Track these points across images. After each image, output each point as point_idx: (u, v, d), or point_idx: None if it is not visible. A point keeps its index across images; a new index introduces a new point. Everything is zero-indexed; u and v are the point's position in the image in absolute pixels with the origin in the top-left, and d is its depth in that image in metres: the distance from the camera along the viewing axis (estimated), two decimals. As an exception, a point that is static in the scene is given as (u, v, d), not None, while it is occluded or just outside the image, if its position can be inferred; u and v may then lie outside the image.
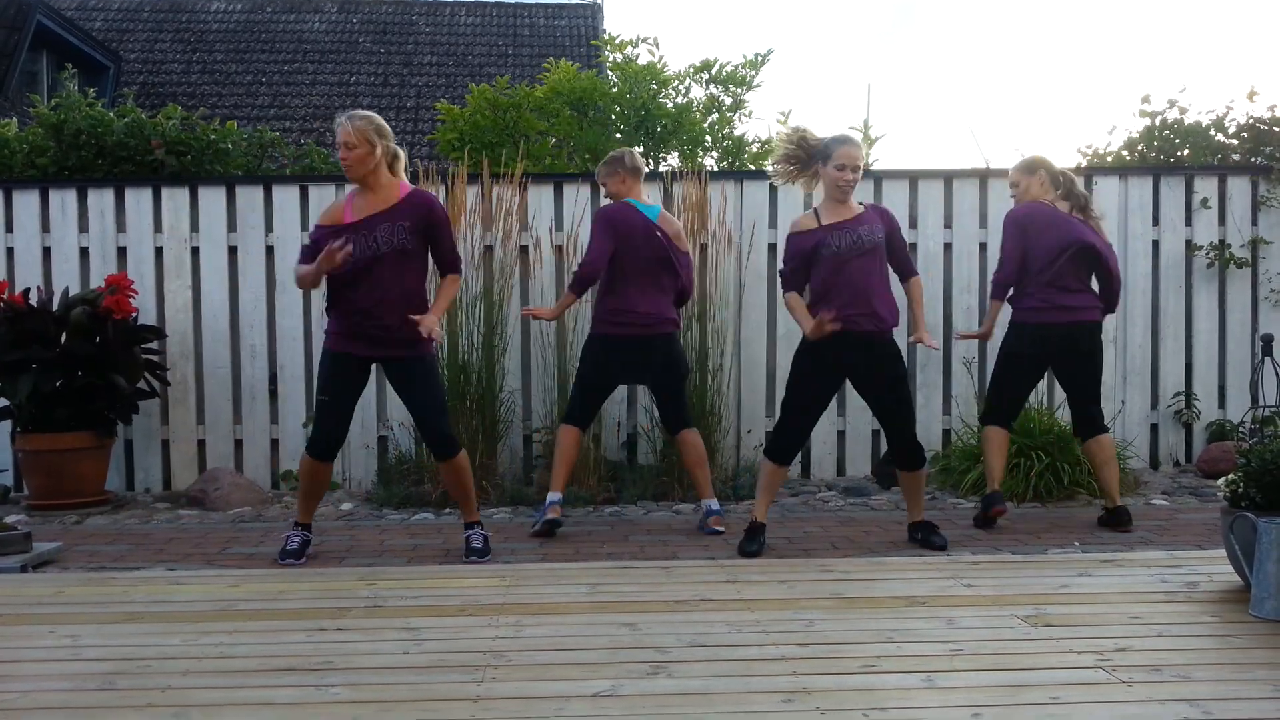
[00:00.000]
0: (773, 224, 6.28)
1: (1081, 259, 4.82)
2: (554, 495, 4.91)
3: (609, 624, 3.23)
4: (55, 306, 5.83)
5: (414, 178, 5.45)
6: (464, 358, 5.84)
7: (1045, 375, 6.20)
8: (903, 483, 4.65)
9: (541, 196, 6.24)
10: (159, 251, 6.25)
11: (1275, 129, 6.74)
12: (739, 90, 8.63)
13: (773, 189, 6.30)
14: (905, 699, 2.57)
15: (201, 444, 6.25)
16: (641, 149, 7.25)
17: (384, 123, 4.24)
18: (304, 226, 6.21)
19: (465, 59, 16.18)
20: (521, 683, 2.72)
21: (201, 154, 6.66)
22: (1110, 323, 4.95)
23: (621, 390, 6.20)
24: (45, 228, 6.23)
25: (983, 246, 6.39)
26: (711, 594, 3.57)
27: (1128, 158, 7.17)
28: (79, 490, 5.66)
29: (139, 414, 6.01)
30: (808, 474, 6.31)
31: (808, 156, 4.52)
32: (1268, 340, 6.29)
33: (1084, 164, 7.35)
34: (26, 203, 6.23)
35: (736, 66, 8.61)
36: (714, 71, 8.58)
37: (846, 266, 4.37)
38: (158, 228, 6.24)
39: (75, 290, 6.03)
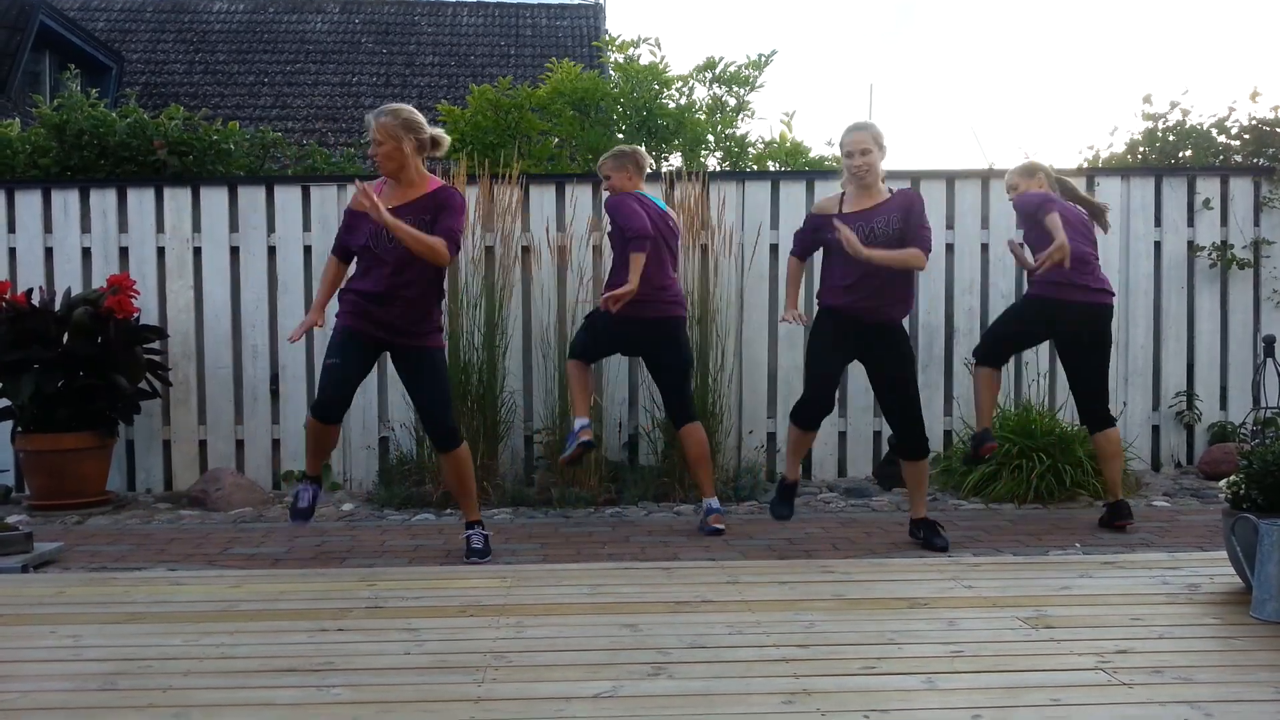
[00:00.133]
0: (774, 225, 6.28)
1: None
2: (581, 420, 4.87)
3: (610, 625, 3.23)
4: (57, 307, 5.83)
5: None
6: (465, 358, 5.84)
7: (1047, 374, 6.27)
8: (906, 474, 4.66)
9: (543, 197, 6.25)
10: (161, 252, 6.25)
11: (1278, 130, 6.73)
12: (742, 91, 8.64)
13: (774, 190, 6.31)
14: (906, 700, 2.57)
15: (203, 444, 6.26)
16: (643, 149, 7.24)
17: (414, 115, 4.19)
18: (306, 227, 6.22)
19: (467, 59, 16.19)
20: (522, 683, 2.72)
21: (204, 154, 6.66)
22: (1112, 323, 4.94)
23: (623, 391, 6.21)
24: (48, 228, 6.24)
25: (985, 247, 6.38)
26: (712, 595, 3.57)
27: (1129, 159, 7.16)
28: (80, 490, 5.67)
29: (140, 414, 6.02)
30: (809, 475, 6.30)
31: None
32: (1269, 341, 6.28)
33: (1085, 164, 7.36)
34: (29, 203, 6.24)
35: (740, 67, 8.62)
36: (718, 71, 8.58)
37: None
38: (160, 228, 6.25)
39: (77, 290, 6.04)
